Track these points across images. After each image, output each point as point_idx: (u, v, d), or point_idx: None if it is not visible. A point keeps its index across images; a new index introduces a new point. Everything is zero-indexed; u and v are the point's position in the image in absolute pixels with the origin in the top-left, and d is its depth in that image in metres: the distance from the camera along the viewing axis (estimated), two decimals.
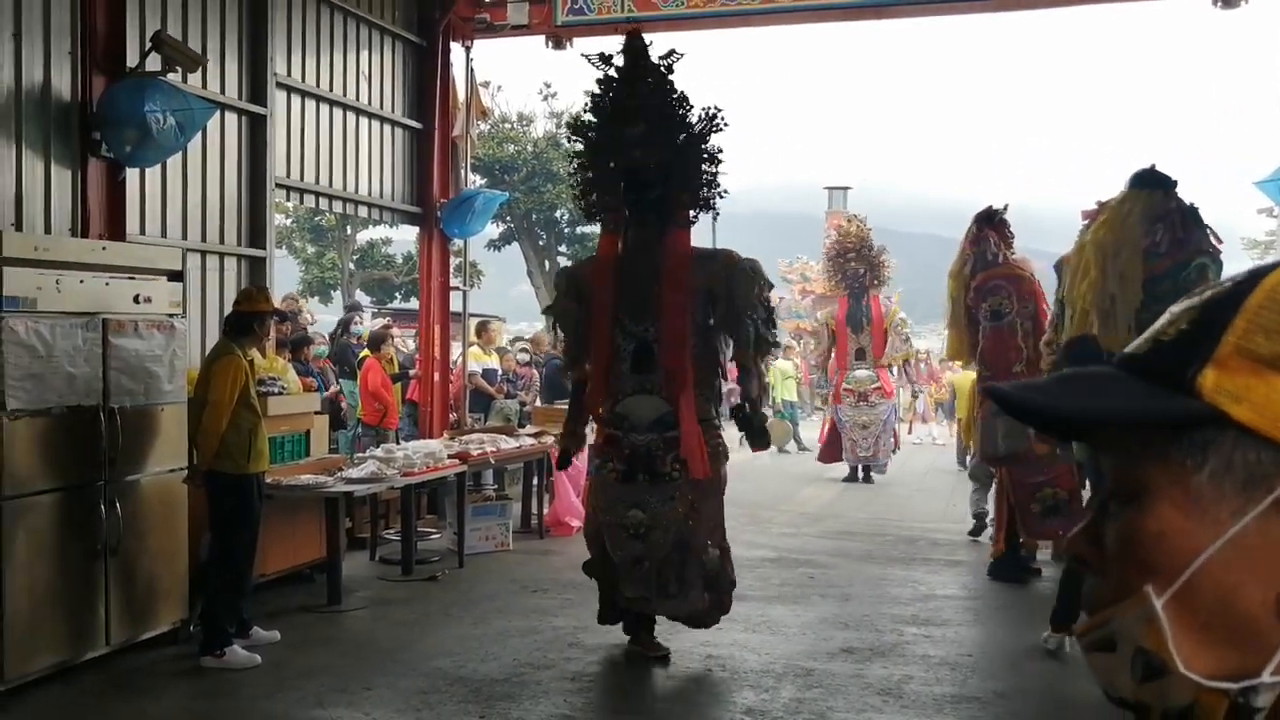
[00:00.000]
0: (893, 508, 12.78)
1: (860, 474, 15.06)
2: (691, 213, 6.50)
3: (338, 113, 10.44)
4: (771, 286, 6.73)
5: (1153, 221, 7.19)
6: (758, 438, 6.63)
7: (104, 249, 6.66)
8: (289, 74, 9.63)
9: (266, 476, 7.17)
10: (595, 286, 6.51)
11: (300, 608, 7.86)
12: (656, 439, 6.31)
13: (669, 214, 6.39)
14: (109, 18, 7.46)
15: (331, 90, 10.30)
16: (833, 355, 15.25)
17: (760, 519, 11.75)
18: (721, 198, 6.60)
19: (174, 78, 7.70)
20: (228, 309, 8.64)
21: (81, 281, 6.24)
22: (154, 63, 7.57)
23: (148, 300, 6.69)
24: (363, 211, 11.58)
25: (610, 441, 6.48)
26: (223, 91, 8.74)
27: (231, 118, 8.91)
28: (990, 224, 9.65)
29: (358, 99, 10.70)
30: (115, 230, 7.44)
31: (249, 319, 6.89)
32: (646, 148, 6.33)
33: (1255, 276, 0.77)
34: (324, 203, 10.83)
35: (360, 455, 9.29)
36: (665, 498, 6.32)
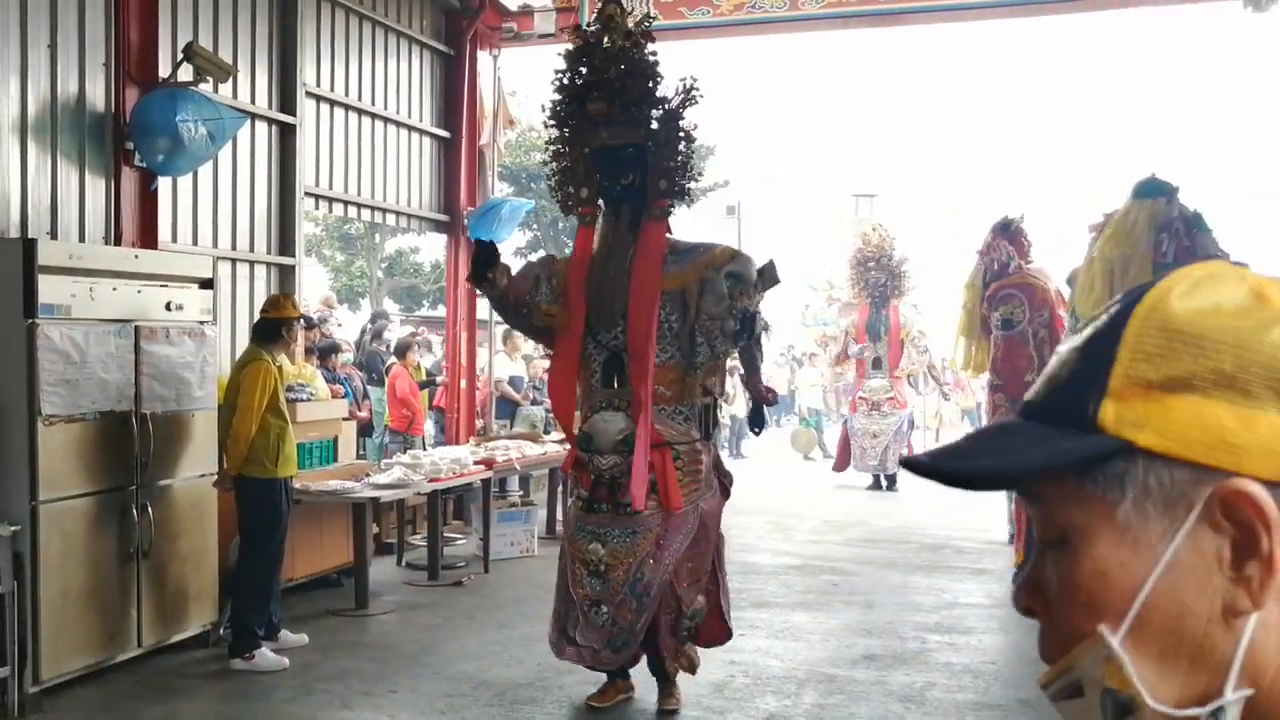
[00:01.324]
0: (917, 516, 12.77)
1: (884, 482, 15.06)
2: (668, 202, 5.71)
3: (366, 122, 10.54)
4: (776, 282, 5.83)
5: (1158, 232, 7.13)
6: (759, 418, 6.06)
7: (136, 257, 6.77)
8: (318, 84, 9.73)
9: (295, 482, 7.26)
10: (569, 288, 5.74)
11: (328, 611, 7.95)
12: (621, 462, 5.51)
13: (644, 204, 5.67)
14: (142, 29, 7.57)
15: (360, 100, 10.41)
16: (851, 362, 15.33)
17: (785, 526, 11.78)
18: (696, 181, 5.89)
19: (205, 88, 7.82)
20: (257, 316, 8.78)
21: (115, 289, 6.35)
22: (186, 73, 7.67)
23: (179, 308, 6.80)
24: (390, 220, 11.68)
25: (577, 465, 5.73)
26: (253, 101, 8.86)
27: (261, 127, 9.02)
28: (1005, 233, 9.67)
29: (385, 108, 10.80)
30: (147, 238, 7.56)
31: (276, 325, 6.99)
32: (614, 128, 5.59)
33: (1129, 304, 0.79)
34: (352, 211, 10.94)
35: (387, 461, 9.38)
36: (627, 531, 5.56)
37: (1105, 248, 7.26)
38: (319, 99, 9.78)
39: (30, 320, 5.82)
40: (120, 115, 7.40)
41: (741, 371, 6.18)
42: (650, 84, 5.58)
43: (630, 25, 5.69)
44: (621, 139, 5.58)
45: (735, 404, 20.40)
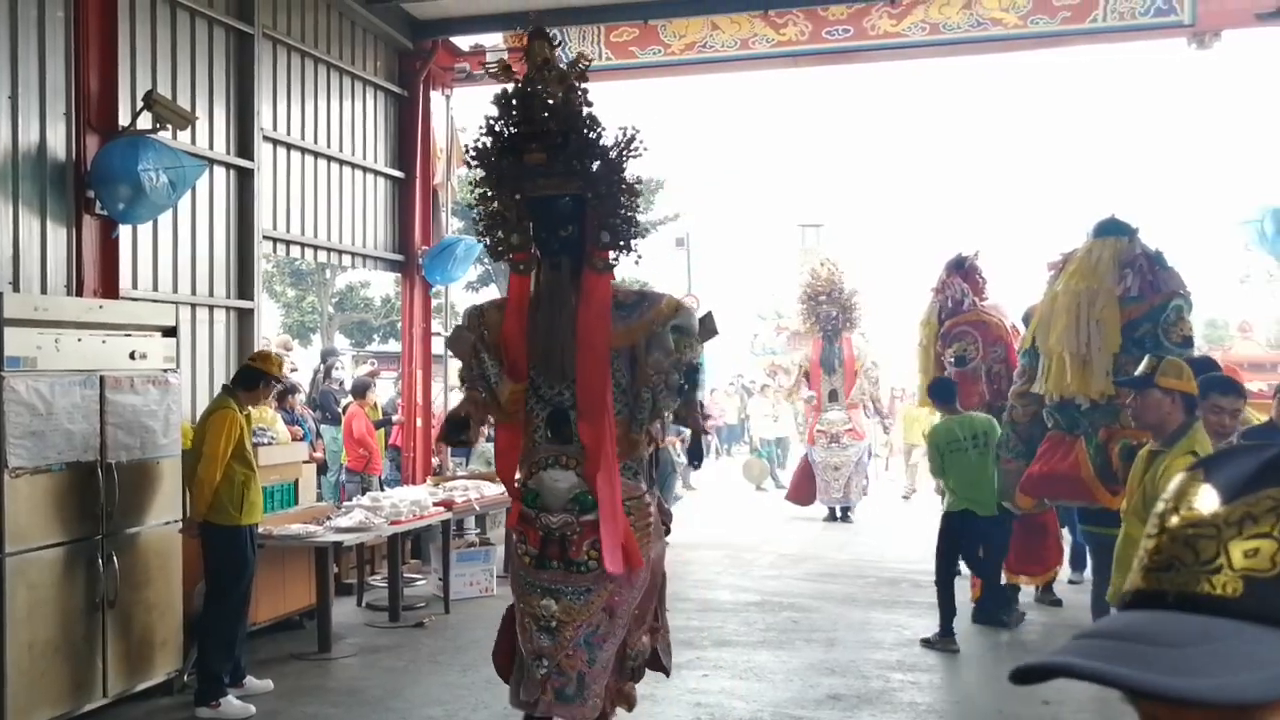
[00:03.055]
0: (872, 548, 12.91)
1: (839, 514, 15.20)
2: (611, 255, 5.37)
3: (322, 164, 10.60)
4: (715, 334, 5.75)
5: (1122, 267, 7.42)
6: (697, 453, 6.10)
7: (101, 308, 6.79)
8: (275, 128, 9.78)
9: (259, 526, 7.27)
10: (506, 338, 5.40)
11: (291, 655, 7.94)
12: (571, 521, 5.22)
13: (584, 255, 5.33)
14: (102, 78, 7.60)
15: (316, 142, 10.47)
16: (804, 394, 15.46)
17: (742, 560, 11.88)
18: (642, 237, 5.52)
19: (165, 135, 7.85)
20: (218, 360, 8.80)
21: (80, 340, 6.36)
22: (146, 121, 7.70)
23: (143, 356, 6.81)
24: (346, 261, 11.72)
25: (523, 520, 5.38)
26: (211, 147, 8.89)
27: (220, 172, 9.05)
28: (959, 270, 9.84)
29: (341, 150, 10.87)
30: (109, 286, 7.56)
31: (258, 376, 7.02)
32: (552, 178, 5.25)
33: None
34: (309, 253, 10.98)
35: (347, 504, 9.40)
36: (580, 589, 5.24)
37: (1071, 282, 7.50)
38: (276, 143, 9.82)
39: None
40: (81, 164, 7.42)
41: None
42: (591, 135, 5.26)
43: (564, 67, 5.34)
44: (560, 190, 5.27)
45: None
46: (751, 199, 43.92)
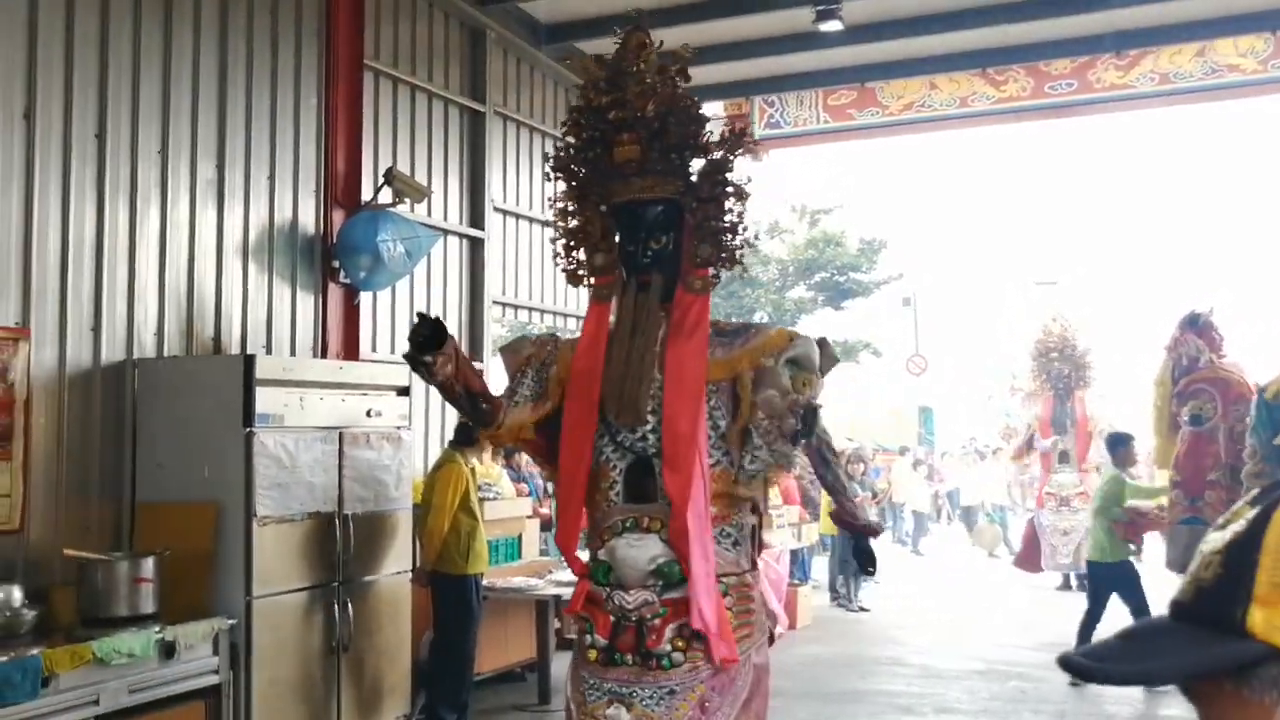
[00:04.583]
0: (1109, 616, 12.32)
1: (1074, 582, 14.57)
2: (712, 270, 4.50)
3: (549, 233, 11.04)
4: (835, 361, 4.71)
5: None
6: (866, 556, 4.89)
7: (341, 369, 7.29)
8: (504, 199, 10.32)
9: (484, 577, 7.60)
10: (575, 375, 4.43)
11: (512, 706, 8.22)
12: (652, 601, 4.13)
13: (680, 272, 4.45)
14: (348, 157, 8.22)
15: (542, 212, 10.95)
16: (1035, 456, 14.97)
17: (968, 627, 11.56)
18: (750, 246, 4.62)
19: (403, 208, 8.40)
20: (449, 419, 9.25)
21: (322, 399, 6.84)
22: (386, 195, 8.27)
23: (379, 414, 7.26)
24: (571, 324, 12.14)
25: (591, 601, 4.26)
26: (445, 218, 9.46)
27: (453, 241, 9.61)
28: (1193, 327, 9.43)
29: None
30: (350, 348, 8.12)
31: (473, 430, 7.39)
32: (647, 177, 4.38)
33: (1266, 511, 0.83)
34: (536, 317, 11.47)
35: None
36: (660, 692, 4.07)
37: None
38: (505, 213, 10.36)
39: (248, 429, 6.33)
40: (328, 236, 8.02)
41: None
42: (695, 126, 4.42)
43: (661, 61, 4.50)
44: (657, 192, 4.41)
45: (907, 495, 20.18)
46: (980, 256, 42.96)
